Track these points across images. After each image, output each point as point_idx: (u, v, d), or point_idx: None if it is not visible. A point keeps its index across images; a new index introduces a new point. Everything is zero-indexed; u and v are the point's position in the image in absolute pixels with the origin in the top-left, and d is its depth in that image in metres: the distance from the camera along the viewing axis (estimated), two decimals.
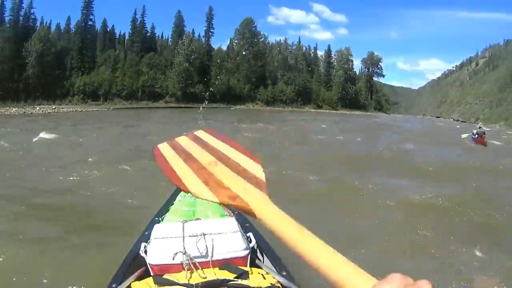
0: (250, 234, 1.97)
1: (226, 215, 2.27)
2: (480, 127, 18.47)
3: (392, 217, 4.96)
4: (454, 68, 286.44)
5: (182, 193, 2.59)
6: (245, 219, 2.28)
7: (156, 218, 2.31)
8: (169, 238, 1.76)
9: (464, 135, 18.76)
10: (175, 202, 2.56)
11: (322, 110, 77.01)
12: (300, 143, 13.70)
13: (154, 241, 1.78)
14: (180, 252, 1.66)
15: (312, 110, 75.30)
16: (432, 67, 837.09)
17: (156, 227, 1.89)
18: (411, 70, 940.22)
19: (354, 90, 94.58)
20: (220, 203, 2.07)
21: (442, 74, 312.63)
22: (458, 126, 46.67)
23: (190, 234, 1.76)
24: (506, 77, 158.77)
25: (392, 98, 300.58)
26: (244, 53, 73.29)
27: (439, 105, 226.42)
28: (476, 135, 17.36)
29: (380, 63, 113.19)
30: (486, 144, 16.77)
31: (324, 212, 4.87)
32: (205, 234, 1.76)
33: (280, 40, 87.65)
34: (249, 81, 71.03)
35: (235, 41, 75.33)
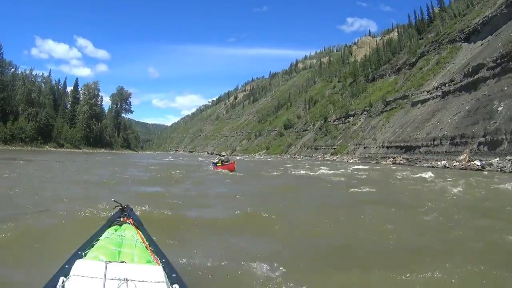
0: (176, 286, 1.85)
1: (153, 261, 2.12)
2: (224, 155, 21.17)
3: None
4: (210, 103, 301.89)
5: (109, 230, 2.45)
6: (172, 269, 2.13)
7: (79, 253, 2.12)
8: (90, 277, 1.65)
9: (210, 167, 21.10)
10: (100, 238, 2.35)
11: (63, 149, 72.02)
12: None
13: (73, 278, 1.66)
14: None
15: (53, 149, 70.19)
16: (190, 103, 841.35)
17: (78, 262, 1.76)
18: (167, 107, 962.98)
19: (99, 127, 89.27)
20: (149, 248, 2.30)
21: (197, 109, 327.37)
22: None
23: (113, 277, 1.66)
24: (268, 108, 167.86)
25: (145, 136, 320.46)
26: None
27: (193, 139, 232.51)
28: (220, 163, 19.60)
29: (129, 98, 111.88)
30: (234, 169, 18.87)
31: None
32: (128, 280, 1.66)
33: (25, 71, 79.86)
34: None
35: None
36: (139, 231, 2.50)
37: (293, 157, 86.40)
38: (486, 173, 25.24)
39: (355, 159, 57.46)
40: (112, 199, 3.24)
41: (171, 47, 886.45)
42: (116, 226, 2.53)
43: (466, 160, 32.57)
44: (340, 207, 8.15)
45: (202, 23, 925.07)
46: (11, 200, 7.21)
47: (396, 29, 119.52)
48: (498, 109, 33.89)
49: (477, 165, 30.25)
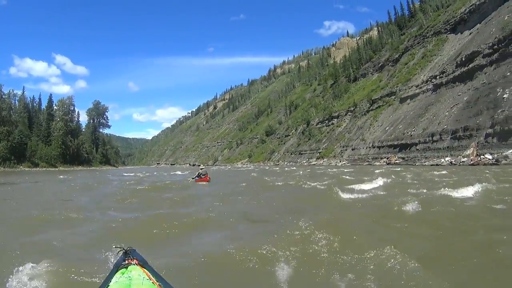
0: None
1: None
2: (203, 168, 20.79)
3: None
4: (190, 114, 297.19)
5: (117, 275, 2.49)
6: None
7: None
8: None
9: (190, 179, 20.71)
10: (110, 284, 2.36)
11: (38, 169, 67.73)
12: None
13: None
14: None
15: (27, 169, 66.16)
16: (170, 116, 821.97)
17: None
18: (147, 120, 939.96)
19: (76, 143, 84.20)
20: (156, 283, 2.30)
21: (176, 121, 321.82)
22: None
23: None
24: (248, 116, 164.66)
25: (126, 151, 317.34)
26: None
27: (174, 152, 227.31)
28: (198, 177, 19.49)
29: (106, 113, 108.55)
30: (209, 181, 18.94)
31: None
32: None
33: None
34: None
35: None
36: (144, 269, 2.45)
37: (277, 163, 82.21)
38: (504, 166, 21.95)
39: (343, 162, 53.66)
40: (113, 246, 3.18)
41: (150, 60, 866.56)
42: (122, 269, 2.46)
43: (474, 155, 29.01)
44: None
45: (180, 34, 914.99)
46: None
47: (375, 28, 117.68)
48: (504, 96, 30.62)
49: (489, 158, 26.67)
